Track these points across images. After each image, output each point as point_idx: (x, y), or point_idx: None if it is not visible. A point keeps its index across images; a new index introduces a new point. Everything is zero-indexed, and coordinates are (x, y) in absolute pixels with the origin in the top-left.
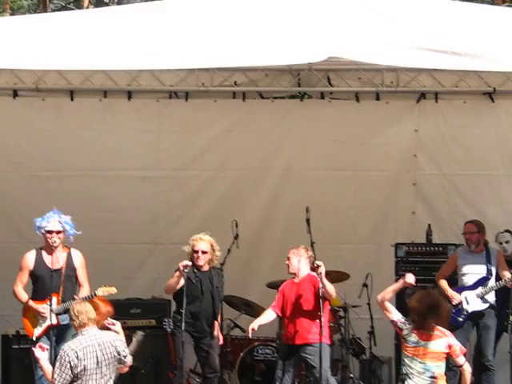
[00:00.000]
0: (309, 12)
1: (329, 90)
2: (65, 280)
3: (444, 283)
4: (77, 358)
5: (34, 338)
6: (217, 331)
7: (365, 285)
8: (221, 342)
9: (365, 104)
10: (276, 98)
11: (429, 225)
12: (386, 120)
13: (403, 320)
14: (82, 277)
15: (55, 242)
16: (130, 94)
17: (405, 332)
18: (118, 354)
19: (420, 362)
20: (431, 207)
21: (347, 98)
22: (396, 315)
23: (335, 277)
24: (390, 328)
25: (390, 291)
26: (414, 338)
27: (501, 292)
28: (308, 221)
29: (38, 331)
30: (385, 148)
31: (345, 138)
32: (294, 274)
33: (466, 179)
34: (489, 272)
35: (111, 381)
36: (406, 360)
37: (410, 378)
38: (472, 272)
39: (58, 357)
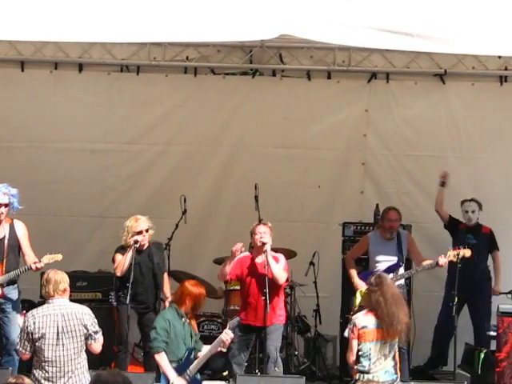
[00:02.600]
0: None
1: (280, 67)
2: (8, 251)
3: (352, 272)
4: (34, 323)
5: None
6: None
7: (311, 263)
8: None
9: (316, 82)
10: (227, 74)
11: (377, 204)
12: (337, 99)
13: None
14: (25, 247)
15: (2, 213)
16: (81, 67)
17: None
18: (86, 328)
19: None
20: (379, 187)
21: (299, 76)
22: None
23: (282, 254)
24: (335, 307)
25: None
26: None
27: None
28: (256, 198)
29: None
30: (335, 127)
31: (295, 116)
32: (263, 251)
33: (414, 160)
34: (400, 259)
35: (80, 358)
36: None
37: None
38: (384, 260)
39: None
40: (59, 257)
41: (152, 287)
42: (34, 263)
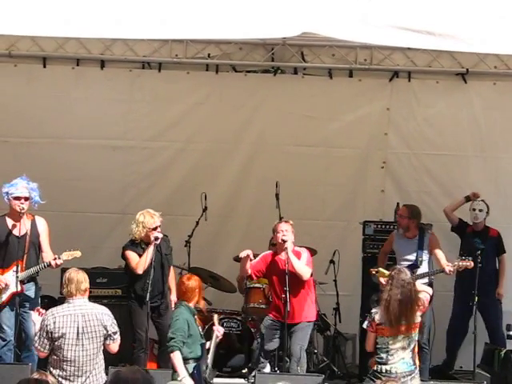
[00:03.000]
0: None
1: (302, 65)
2: (29, 247)
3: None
4: (54, 323)
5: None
6: (171, 295)
7: (332, 261)
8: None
9: (338, 81)
10: (249, 71)
11: (397, 203)
12: (359, 97)
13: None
14: (45, 244)
15: (23, 208)
16: (102, 63)
17: None
18: (105, 328)
19: None
20: (400, 186)
21: (320, 75)
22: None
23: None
24: (355, 305)
25: None
26: None
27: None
28: (277, 196)
29: (2, 298)
30: (356, 125)
31: (316, 114)
32: (284, 248)
33: (435, 159)
34: (418, 260)
35: (98, 358)
36: None
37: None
38: (404, 258)
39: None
40: (78, 253)
41: (160, 279)
42: (54, 259)
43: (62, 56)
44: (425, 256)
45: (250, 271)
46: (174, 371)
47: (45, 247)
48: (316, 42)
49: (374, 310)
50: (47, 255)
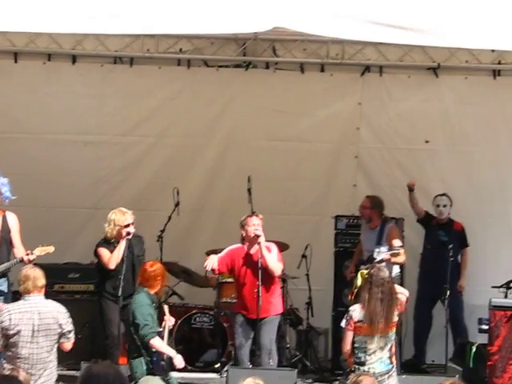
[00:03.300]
0: None
1: (274, 60)
2: (1, 243)
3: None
4: (10, 320)
5: None
6: None
7: (304, 256)
8: None
9: (309, 75)
10: (221, 66)
11: None
12: (330, 92)
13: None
14: (16, 239)
15: None
16: (74, 58)
17: None
18: (60, 327)
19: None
20: (372, 180)
21: (292, 69)
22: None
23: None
24: (327, 299)
25: None
26: None
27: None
28: (249, 190)
29: None
30: (328, 120)
31: (288, 109)
32: (256, 242)
33: (407, 153)
34: (375, 251)
35: (51, 355)
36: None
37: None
38: (366, 248)
39: None
40: (51, 249)
41: (131, 279)
42: (27, 255)
43: (34, 51)
44: (383, 247)
45: (217, 270)
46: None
47: (16, 243)
48: (287, 37)
49: (351, 308)
50: (19, 251)
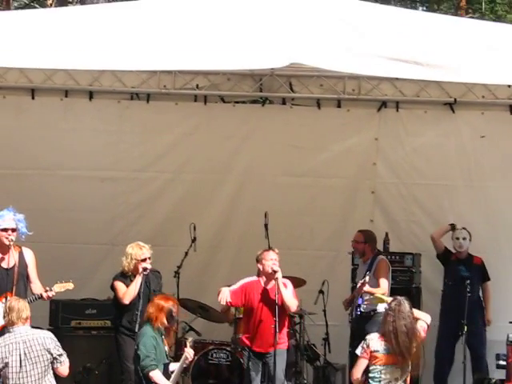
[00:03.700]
0: (272, 18)
1: (290, 95)
2: (18, 279)
3: None
4: None
5: None
6: None
7: (321, 291)
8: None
9: (326, 111)
10: (237, 102)
11: (386, 233)
12: (347, 127)
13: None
14: (33, 275)
15: (12, 239)
16: (91, 94)
17: None
18: (49, 352)
19: None
20: (389, 215)
21: (309, 105)
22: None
23: (291, 283)
24: (344, 335)
25: None
26: None
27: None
28: (266, 226)
29: None
30: (345, 155)
31: (305, 145)
32: (274, 278)
33: (424, 188)
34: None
35: (44, 382)
36: None
37: None
38: (357, 282)
39: None
40: (71, 285)
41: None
42: (46, 291)
43: (51, 87)
44: (372, 281)
45: (228, 303)
46: None
47: (33, 278)
48: (304, 73)
49: (368, 337)
50: (35, 286)
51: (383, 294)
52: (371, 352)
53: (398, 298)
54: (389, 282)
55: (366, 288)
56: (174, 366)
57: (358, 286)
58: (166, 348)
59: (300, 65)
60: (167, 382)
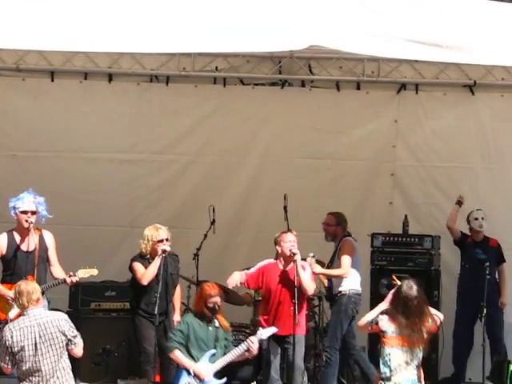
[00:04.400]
0: (292, 0)
1: (310, 78)
2: (39, 262)
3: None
4: (11, 337)
5: (9, 320)
6: (175, 315)
7: None
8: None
9: (345, 93)
10: (257, 84)
11: (405, 215)
12: (366, 110)
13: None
14: (53, 257)
15: (31, 222)
16: (110, 77)
17: None
18: (63, 334)
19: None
20: (408, 198)
21: (328, 87)
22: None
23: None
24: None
25: None
26: None
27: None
28: (285, 208)
29: (12, 314)
30: (364, 138)
31: (324, 127)
32: (292, 260)
33: (443, 171)
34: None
35: (60, 364)
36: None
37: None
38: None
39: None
40: (95, 271)
41: (164, 297)
42: (69, 276)
43: (70, 70)
44: (335, 262)
45: (246, 283)
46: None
47: (53, 261)
48: (323, 55)
49: (380, 317)
50: (56, 269)
51: (343, 274)
52: (380, 331)
53: (407, 280)
54: (351, 262)
55: (318, 270)
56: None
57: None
58: (222, 336)
59: (319, 47)
60: (186, 360)
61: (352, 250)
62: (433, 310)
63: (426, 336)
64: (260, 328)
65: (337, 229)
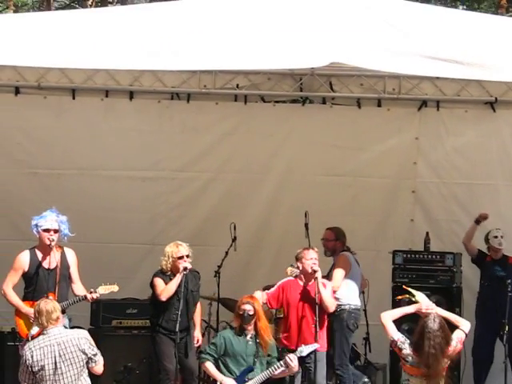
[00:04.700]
0: (312, 17)
1: (330, 95)
2: (60, 279)
3: None
4: (32, 357)
5: (30, 339)
6: (195, 331)
7: (362, 291)
8: (199, 343)
9: (366, 110)
10: (278, 101)
11: (427, 232)
12: (387, 127)
13: (403, 339)
14: (75, 275)
15: (53, 240)
16: (131, 94)
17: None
18: (83, 352)
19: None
20: (430, 215)
21: (349, 104)
22: (396, 334)
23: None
24: (385, 335)
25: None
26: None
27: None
28: (307, 225)
29: (33, 331)
30: (385, 155)
31: (345, 144)
32: (314, 277)
33: (465, 188)
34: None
35: (80, 381)
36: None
37: None
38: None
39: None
40: (115, 288)
41: (185, 314)
42: (90, 293)
43: (91, 88)
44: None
45: (267, 302)
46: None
47: (75, 278)
48: (344, 72)
49: (405, 341)
50: (77, 287)
51: (333, 288)
52: (402, 355)
53: (431, 314)
54: (346, 276)
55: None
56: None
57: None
58: (261, 352)
59: (340, 64)
60: (216, 371)
61: (346, 264)
62: (458, 321)
63: (447, 364)
64: (302, 345)
65: (336, 244)
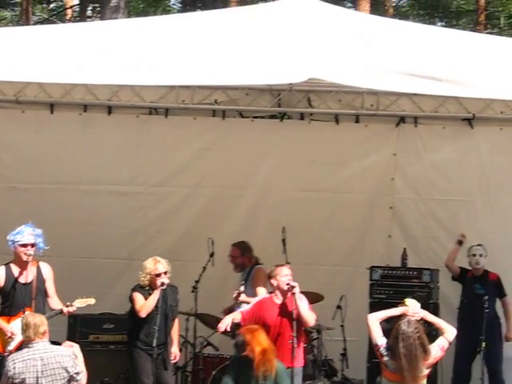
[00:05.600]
0: (291, 33)
1: (309, 111)
2: (36, 294)
3: None
4: (14, 368)
5: (7, 353)
6: (173, 347)
7: (339, 307)
8: (177, 359)
9: (344, 126)
10: (256, 117)
11: (404, 249)
12: (365, 143)
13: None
14: (51, 289)
15: (30, 254)
16: (110, 109)
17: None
18: (66, 370)
19: None
20: (407, 231)
21: (327, 120)
22: (380, 339)
23: (309, 298)
24: (362, 350)
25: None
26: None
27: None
28: (284, 241)
29: (11, 346)
30: (363, 171)
31: (323, 160)
32: (291, 293)
33: (442, 204)
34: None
35: None
36: None
37: None
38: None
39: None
40: (92, 301)
41: (163, 329)
42: (67, 307)
43: (70, 102)
44: (248, 290)
45: (239, 319)
46: None
47: (51, 293)
48: (322, 88)
49: (385, 350)
50: (53, 301)
51: None
52: (383, 362)
53: (406, 317)
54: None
55: (242, 297)
56: None
57: (233, 296)
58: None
59: (318, 80)
60: None
61: (265, 278)
62: (444, 327)
63: (427, 371)
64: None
65: (243, 259)
